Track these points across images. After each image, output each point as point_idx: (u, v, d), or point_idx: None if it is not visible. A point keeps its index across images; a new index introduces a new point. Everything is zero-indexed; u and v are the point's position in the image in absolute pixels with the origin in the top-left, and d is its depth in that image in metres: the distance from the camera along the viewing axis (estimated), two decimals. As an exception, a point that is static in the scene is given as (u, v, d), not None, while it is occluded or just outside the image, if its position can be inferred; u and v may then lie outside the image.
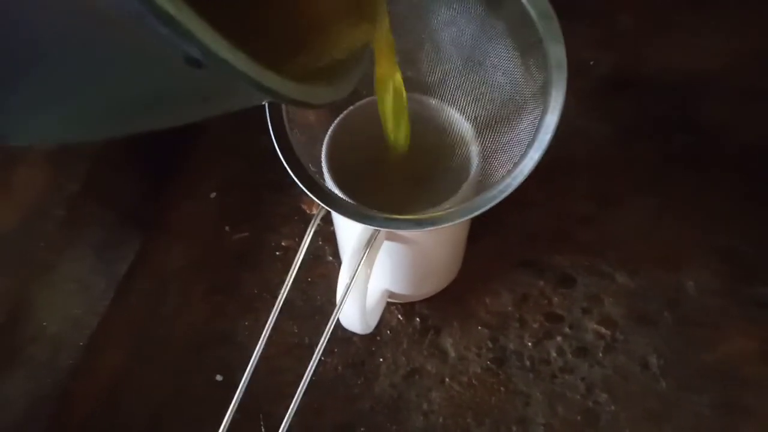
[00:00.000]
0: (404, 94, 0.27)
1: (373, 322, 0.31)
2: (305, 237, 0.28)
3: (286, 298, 0.36)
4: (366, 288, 0.27)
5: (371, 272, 0.27)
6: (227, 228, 0.39)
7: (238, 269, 0.38)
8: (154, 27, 0.12)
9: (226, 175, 0.41)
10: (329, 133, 0.30)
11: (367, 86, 0.31)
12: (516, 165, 0.26)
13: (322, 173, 0.29)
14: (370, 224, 0.26)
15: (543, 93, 0.26)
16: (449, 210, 0.26)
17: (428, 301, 0.36)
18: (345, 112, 0.31)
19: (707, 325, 0.33)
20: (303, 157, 0.28)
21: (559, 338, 0.34)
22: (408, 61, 0.31)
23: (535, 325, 0.35)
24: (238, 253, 0.38)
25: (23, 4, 0.12)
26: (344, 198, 0.27)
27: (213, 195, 0.40)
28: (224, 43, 0.13)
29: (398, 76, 0.26)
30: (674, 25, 0.45)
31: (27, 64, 0.14)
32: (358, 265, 0.26)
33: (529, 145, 0.26)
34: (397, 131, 0.28)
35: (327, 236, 0.38)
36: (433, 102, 0.31)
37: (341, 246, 0.34)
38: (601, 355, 0.33)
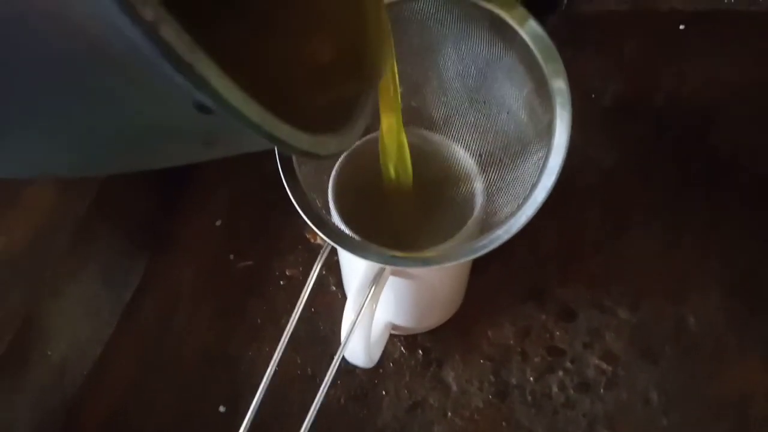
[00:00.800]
0: (405, 138, 0.27)
1: (376, 356, 0.32)
2: (311, 273, 0.28)
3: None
4: (371, 324, 0.28)
5: (376, 308, 0.28)
6: (232, 256, 0.39)
7: (243, 297, 0.38)
8: (168, 73, 0.11)
9: (234, 195, 0.42)
10: (336, 167, 0.30)
11: (374, 121, 0.31)
12: (520, 206, 0.26)
13: (327, 206, 0.30)
14: (377, 262, 0.26)
15: (548, 133, 0.26)
16: (455, 248, 0.26)
17: (431, 333, 0.36)
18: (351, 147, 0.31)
19: (711, 359, 0.34)
20: (309, 189, 0.28)
21: (560, 373, 0.34)
22: (414, 95, 0.31)
23: (537, 359, 0.35)
24: (244, 280, 0.39)
25: (26, 40, 0.11)
26: (351, 234, 0.27)
27: (218, 222, 0.41)
28: (239, 93, 0.12)
29: (400, 120, 0.26)
30: (682, 51, 0.45)
31: (23, 95, 0.13)
32: (364, 301, 0.27)
33: (533, 187, 0.26)
34: (398, 172, 0.28)
35: (330, 266, 0.39)
36: (438, 138, 0.31)
37: (346, 280, 0.34)
38: (602, 390, 0.33)
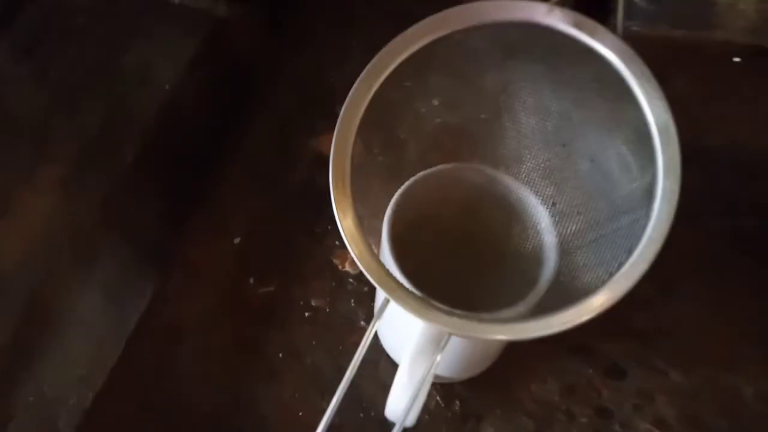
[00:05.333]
0: None
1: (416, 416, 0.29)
2: (361, 347, 0.24)
3: (314, 364, 0.34)
4: (425, 395, 0.24)
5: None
6: (252, 280, 0.36)
7: (261, 327, 0.34)
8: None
9: (254, 213, 0.38)
10: (391, 208, 0.27)
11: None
12: (612, 274, 0.23)
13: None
14: (446, 328, 0.23)
15: (647, 195, 0.23)
16: (528, 319, 0.23)
17: (469, 382, 0.33)
18: (405, 185, 0.28)
19: (768, 437, 0.32)
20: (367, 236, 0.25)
21: (608, 437, 0.32)
22: (485, 136, 0.28)
23: (584, 420, 0.32)
24: (263, 308, 0.35)
25: None
26: (415, 291, 0.24)
27: (237, 240, 0.37)
28: None
29: None
30: (735, 92, 0.43)
31: None
32: (425, 375, 0.23)
33: (628, 253, 0.23)
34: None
35: (359, 297, 0.35)
36: (507, 179, 0.28)
37: (391, 337, 0.30)
38: (652, 460, 0.31)
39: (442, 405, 0.32)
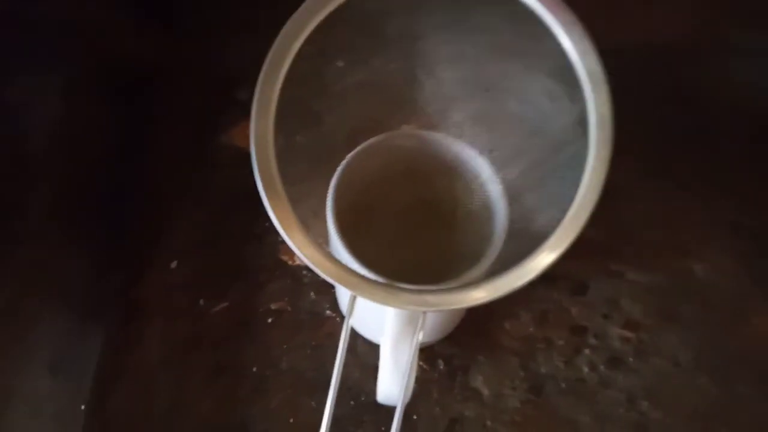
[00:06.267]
0: None
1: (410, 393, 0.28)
2: (339, 349, 0.23)
3: (292, 368, 0.32)
4: (414, 371, 0.24)
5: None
6: (202, 302, 0.34)
7: (227, 347, 0.33)
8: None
9: (184, 230, 0.35)
10: (331, 197, 0.25)
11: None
12: (565, 211, 0.23)
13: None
14: (417, 307, 0.22)
15: (582, 124, 0.23)
16: (503, 276, 0.23)
17: (446, 339, 0.33)
18: (339, 168, 0.26)
19: (728, 308, 0.34)
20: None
21: (587, 351, 0.33)
22: (401, 90, 0.27)
23: (561, 342, 0.33)
24: (222, 327, 0.33)
25: None
26: (381, 280, 0.23)
27: (174, 264, 0.34)
28: None
29: None
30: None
31: None
32: (409, 360, 0.23)
33: (576, 186, 0.23)
34: None
35: (318, 288, 0.34)
36: (438, 136, 0.27)
37: (364, 321, 0.30)
38: (632, 360, 0.33)
39: (427, 368, 0.32)
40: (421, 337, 0.23)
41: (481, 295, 0.22)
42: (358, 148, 0.26)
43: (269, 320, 0.33)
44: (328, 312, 0.34)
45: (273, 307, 0.34)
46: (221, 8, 0.40)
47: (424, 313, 0.23)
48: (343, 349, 0.23)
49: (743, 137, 0.39)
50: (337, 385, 0.23)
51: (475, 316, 0.33)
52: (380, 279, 0.23)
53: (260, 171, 0.22)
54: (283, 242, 0.35)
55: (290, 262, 0.35)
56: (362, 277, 0.22)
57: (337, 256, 0.23)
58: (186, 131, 0.39)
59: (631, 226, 0.36)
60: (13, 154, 0.31)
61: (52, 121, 0.32)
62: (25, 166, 0.31)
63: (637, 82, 0.40)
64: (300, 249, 0.22)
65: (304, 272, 0.34)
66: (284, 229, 0.22)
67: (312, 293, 0.34)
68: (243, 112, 0.38)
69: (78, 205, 0.33)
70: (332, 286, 0.34)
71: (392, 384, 0.24)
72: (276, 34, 0.22)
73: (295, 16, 0.22)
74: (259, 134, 0.22)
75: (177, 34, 0.39)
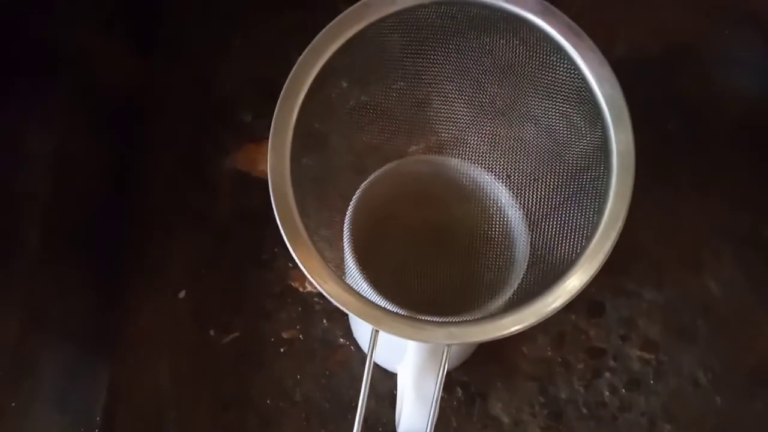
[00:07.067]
0: None
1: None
2: (364, 381, 0.22)
3: (306, 397, 0.32)
4: (437, 405, 0.23)
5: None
6: (212, 332, 0.33)
7: (239, 378, 0.32)
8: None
9: (190, 259, 0.34)
10: (348, 229, 0.25)
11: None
12: (589, 237, 0.22)
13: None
14: (447, 341, 0.22)
15: (602, 150, 0.23)
16: (527, 307, 0.22)
17: (463, 365, 0.32)
18: (355, 197, 0.25)
19: (743, 324, 0.33)
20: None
21: (607, 374, 0.32)
22: (414, 116, 0.26)
23: (580, 366, 0.33)
24: (233, 358, 0.32)
25: None
26: (404, 313, 0.22)
27: (182, 294, 0.34)
28: None
29: None
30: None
31: None
32: (437, 389, 0.22)
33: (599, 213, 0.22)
34: None
35: (330, 315, 0.33)
36: (454, 162, 0.26)
37: (381, 353, 0.29)
38: (652, 382, 0.32)
39: (445, 396, 0.32)
40: (446, 368, 0.23)
41: (508, 324, 0.22)
42: (372, 176, 0.26)
43: (281, 350, 0.33)
44: (341, 340, 0.33)
45: (284, 336, 0.33)
46: (212, 30, 0.39)
47: (449, 345, 0.22)
48: (365, 387, 0.23)
49: (745, 146, 0.39)
50: (360, 426, 0.23)
51: (491, 342, 0.33)
52: (402, 311, 0.22)
53: (278, 208, 0.21)
54: (292, 268, 0.35)
55: (301, 289, 0.34)
56: (385, 310, 0.22)
57: (356, 287, 0.22)
58: (190, 158, 0.38)
59: (642, 242, 0.36)
60: (4, 190, 0.30)
61: (46, 153, 0.32)
62: (18, 201, 0.30)
63: (638, 90, 0.40)
64: (322, 285, 0.21)
65: (316, 299, 0.34)
66: (306, 267, 0.21)
67: (324, 320, 0.33)
68: (241, 134, 0.37)
69: (76, 237, 0.32)
70: (346, 314, 0.33)
71: (417, 416, 0.23)
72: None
73: (314, 44, 0.22)
74: (276, 168, 0.22)
75: (168, 58, 0.39)
